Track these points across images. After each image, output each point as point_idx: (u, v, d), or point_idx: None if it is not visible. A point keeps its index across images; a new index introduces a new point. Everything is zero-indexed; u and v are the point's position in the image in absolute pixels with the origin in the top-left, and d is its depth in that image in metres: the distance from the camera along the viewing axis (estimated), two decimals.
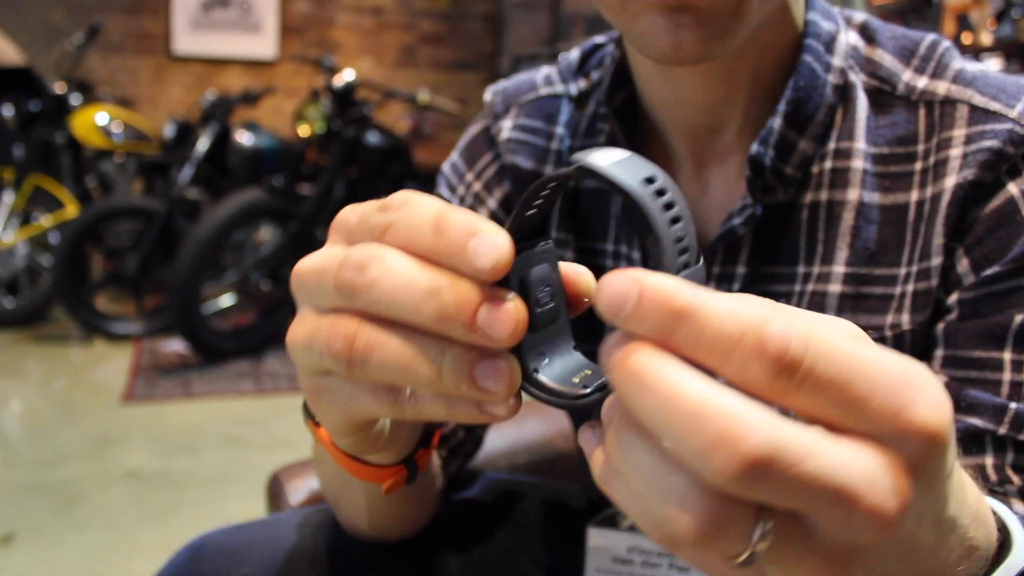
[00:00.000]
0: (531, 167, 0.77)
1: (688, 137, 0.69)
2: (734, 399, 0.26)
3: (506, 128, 0.78)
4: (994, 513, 0.39)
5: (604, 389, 0.34)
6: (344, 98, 4.10)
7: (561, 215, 0.76)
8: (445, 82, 5.97)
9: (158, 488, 2.61)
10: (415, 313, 0.34)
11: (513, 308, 0.33)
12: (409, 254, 0.34)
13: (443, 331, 0.34)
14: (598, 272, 0.75)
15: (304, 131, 4.36)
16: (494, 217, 0.78)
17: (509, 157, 0.77)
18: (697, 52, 0.55)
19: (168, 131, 4.61)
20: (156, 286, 4.14)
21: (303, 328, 0.38)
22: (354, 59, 5.82)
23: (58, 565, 2.16)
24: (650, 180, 0.32)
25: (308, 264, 0.38)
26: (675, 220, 0.32)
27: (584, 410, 0.36)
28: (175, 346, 3.97)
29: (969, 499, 0.35)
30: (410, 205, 0.35)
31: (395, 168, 4.28)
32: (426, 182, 4.30)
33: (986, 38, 3.32)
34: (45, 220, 4.23)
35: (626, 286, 0.28)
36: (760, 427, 0.26)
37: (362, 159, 4.16)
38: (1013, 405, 0.58)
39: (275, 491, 1.00)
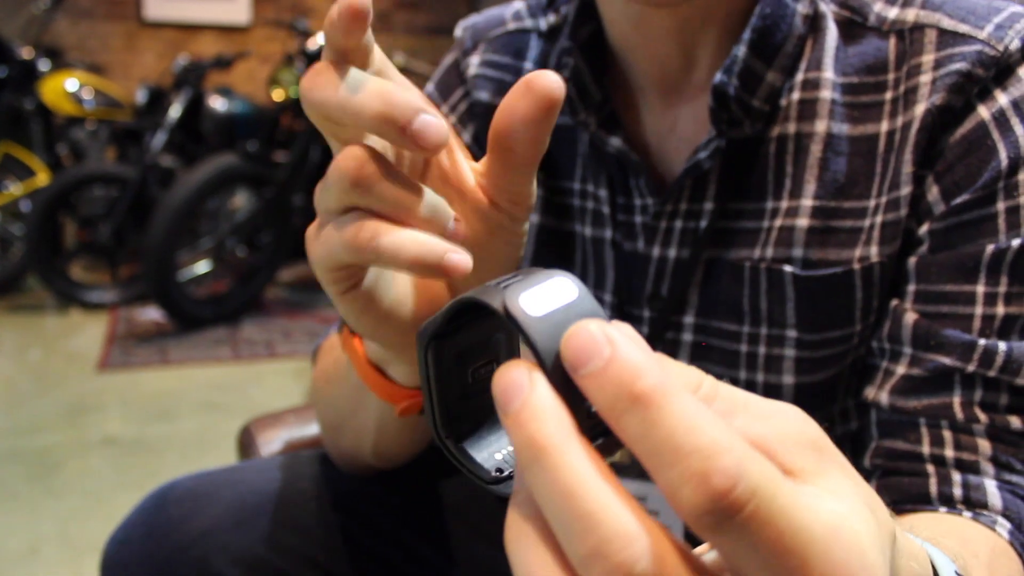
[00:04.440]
0: (498, 103, 0.75)
1: (657, 77, 0.68)
2: (628, 513, 0.23)
3: (474, 64, 0.77)
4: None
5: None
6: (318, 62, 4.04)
7: None
8: (421, 47, 5.89)
9: (135, 455, 2.60)
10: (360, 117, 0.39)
11: (438, 123, 0.39)
12: None
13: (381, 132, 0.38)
14: (565, 210, 0.74)
15: (278, 96, 4.30)
16: (469, 150, 0.77)
17: (476, 93, 0.76)
18: None
19: (140, 97, 4.53)
20: (131, 254, 4.09)
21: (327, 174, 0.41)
22: None
23: (35, 531, 2.14)
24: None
25: None
26: None
27: (493, 492, 0.36)
28: (151, 314, 3.93)
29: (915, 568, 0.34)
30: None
31: None
32: None
33: None
34: (16, 188, 4.17)
35: (599, 343, 0.24)
36: (642, 549, 0.23)
37: None
38: (982, 341, 0.57)
39: (246, 443, 0.99)
